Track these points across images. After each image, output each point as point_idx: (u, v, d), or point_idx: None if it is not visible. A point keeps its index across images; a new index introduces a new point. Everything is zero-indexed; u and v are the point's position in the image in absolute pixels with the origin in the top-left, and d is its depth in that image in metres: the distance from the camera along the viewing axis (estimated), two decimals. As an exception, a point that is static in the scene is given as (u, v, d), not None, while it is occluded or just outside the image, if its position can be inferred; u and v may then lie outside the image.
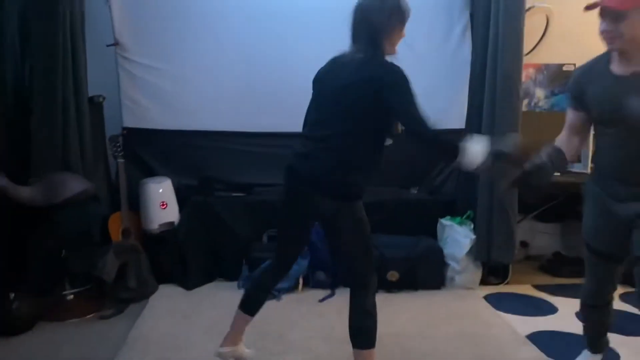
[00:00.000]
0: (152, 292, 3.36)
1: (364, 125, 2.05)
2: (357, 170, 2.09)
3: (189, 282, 3.50)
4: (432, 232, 3.69)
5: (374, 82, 2.00)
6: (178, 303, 3.27)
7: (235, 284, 3.53)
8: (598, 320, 2.34)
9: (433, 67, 3.83)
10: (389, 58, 2.08)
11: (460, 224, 3.58)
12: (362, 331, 2.17)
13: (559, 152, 2.12)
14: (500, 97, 3.39)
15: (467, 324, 3.01)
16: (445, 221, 3.65)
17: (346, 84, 2.05)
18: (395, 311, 3.16)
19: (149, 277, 3.37)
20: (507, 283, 3.63)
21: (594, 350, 2.40)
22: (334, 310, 3.16)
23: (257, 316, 3.07)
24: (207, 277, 3.61)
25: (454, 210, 3.72)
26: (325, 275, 3.48)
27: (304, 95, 3.76)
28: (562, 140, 2.19)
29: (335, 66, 2.17)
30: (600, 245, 2.13)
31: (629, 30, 1.84)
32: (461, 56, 3.84)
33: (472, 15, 3.79)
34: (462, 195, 3.75)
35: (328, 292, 3.42)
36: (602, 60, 2.01)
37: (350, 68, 2.06)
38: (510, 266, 3.63)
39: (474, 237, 3.49)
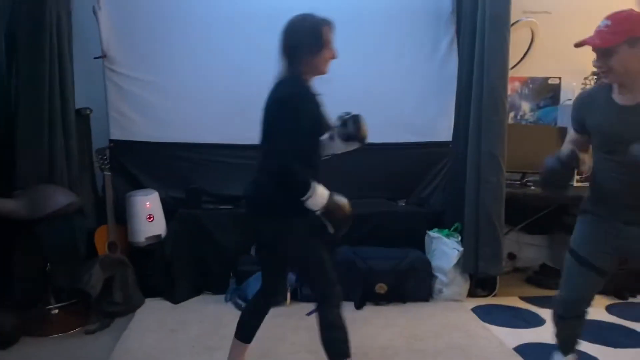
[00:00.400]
0: (139, 305, 3.33)
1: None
2: (282, 191, 2.08)
3: (176, 295, 3.47)
4: (420, 245, 3.70)
5: (279, 100, 2.09)
6: (165, 317, 3.24)
7: (222, 297, 3.51)
8: (569, 332, 2.33)
9: (420, 80, 3.87)
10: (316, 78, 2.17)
11: (448, 236, 3.59)
12: (332, 344, 2.16)
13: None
14: (486, 109, 3.43)
15: (455, 336, 3.01)
16: (433, 233, 3.66)
17: (266, 105, 2.14)
18: (383, 324, 3.15)
19: (135, 290, 3.33)
20: (495, 295, 3.64)
21: (566, 352, 2.39)
22: (321, 323, 3.15)
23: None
24: (194, 291, 3.58)
25: (441, 223, 3.74)
26: (313, 288, 3.47)
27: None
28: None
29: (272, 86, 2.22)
30: (588, 254, 2.14)
31: (618, 64, 1.87)
32: (448, 70, 3.88)
33: (458, 30, 3.83)
34: (450, 207, 3.77)
35: (316, 305, 3.40)
36: (605, 89, 2.03)
37: (273, 88, 2.15)
38: (498, 278, 3.64)
39: (461, 249, 3.50)
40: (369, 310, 3.39)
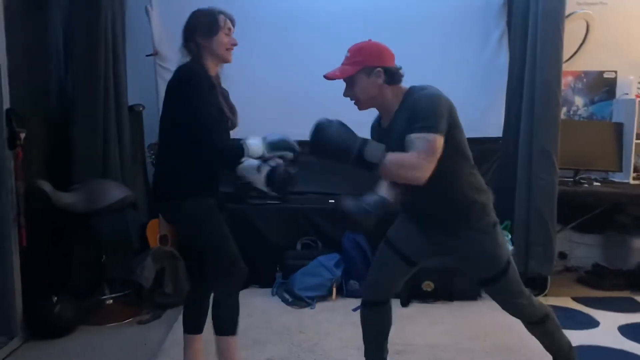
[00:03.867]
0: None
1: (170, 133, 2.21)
2: (177, 169, 2.19)
3: (224, 288, 3.53)
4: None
5: (173, 84, 2.18)
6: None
7: (269, 290, 3.56)
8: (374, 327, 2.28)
9: (470, 75, 3.81)
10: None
11: (497, 234, 3.52)
12: (217, 319, 2.31)
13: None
14: (538, 105, 3.34)
15: (504, 337, 2.95)
16: (482, 231, 3.59)
17: (165, 92, 2.23)
18: (430, 322, 3.12)
19: (185, 282, 3.41)
20: (545, 295, 3.54)
21: None
22: (368, 319, 3.15)
23: (291, 323, 3.10)
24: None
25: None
26: (359, 285, 3.47)
27: (337, 103, 3.81)
28: None
29: None
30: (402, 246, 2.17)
31: (360, 93, 2.00)
32: (498, 64, 3.79)
33: (509, 23, 3.74)
34: (499, 204, 3.66)
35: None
36: (377, 117, 2.17)
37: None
38: (549, 278, 3.55)
39: (511, 247, 3.42)
40: (415, 307, 3.36)
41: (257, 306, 3.34)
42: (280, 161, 2.16)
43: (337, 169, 3.89)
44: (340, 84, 2.09)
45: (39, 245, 2.99)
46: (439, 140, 1.82)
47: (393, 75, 1.99)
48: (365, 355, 2.34)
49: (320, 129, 1.89)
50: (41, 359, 2.71)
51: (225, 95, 2.36)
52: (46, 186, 2.98)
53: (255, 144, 2.15)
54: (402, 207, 2.15)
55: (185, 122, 2.11)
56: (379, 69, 1.97)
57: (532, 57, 3.37)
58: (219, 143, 2.15)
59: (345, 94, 2.06)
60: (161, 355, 2.70)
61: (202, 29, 2.23)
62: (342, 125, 1.89)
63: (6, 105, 2.74)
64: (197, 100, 2.10)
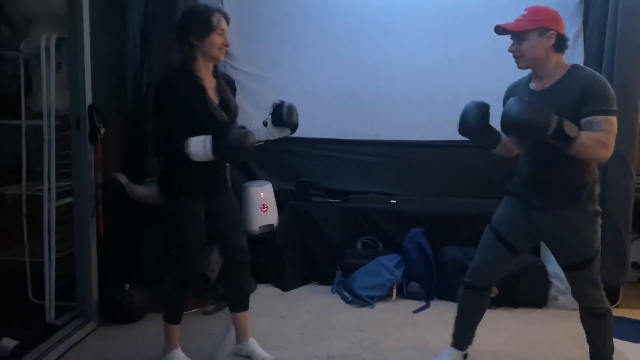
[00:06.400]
0: (251, 291, 3.47)
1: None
2: (166, 169, 2.43)
3: (285, 283, 3.60)
4: (534, 248, 3.51)
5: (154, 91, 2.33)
6: (274, 303, 3.38)
7: (328, 288, 3.59)
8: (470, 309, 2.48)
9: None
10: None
11: (566, 241, 3.40)
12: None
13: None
14: (615, 109, 3.19)
15: (571, 347, 2.85)
16: (549, 237, 3.47)
17: None
18: (493, 328, 3.05)
19: (248, 276, 3.49)
20: (617, 306, 3.38)
21: (461, 346, 2.55)
22: (428, 322, 3.13)
23: (350, 322, 3.12)
24: (302, 280, 3.70)
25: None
26: (420, 287, 3.44)
27: (403, 103, 3.80)
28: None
29: None
30: (504, 232, 2.32)
31: (527, 50, 2.09)
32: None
33: (585, 22, 3.59)
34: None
35: (422, 303, 3.38)
36: (526, 78, 2.27)
37: None
38: (621, 289, 3.39)
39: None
40: (478, 312, 3.30)
41: (316, 303, 3.38)
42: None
43: (397, 168, 3.89)
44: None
45: (114, 235, 3.16)
46: (616, 123, 2.00)
47: (563, 43, 2.09)
48: (452, 335, 2.53)
49: (511, 106, 1.98)
50: (113, 342, 2.87)
51: (224, 90, 2.43)
52: (122, 178, 3.13)
53: (197, 145, 2.20)
54: (516, 185, 2.30)
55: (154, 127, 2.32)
56: (552, 31, 2.06)
57: (609, 59, 3.23)
58: (160, 145, 2.30)
59: (511, 49, 2.14)
60: (224, 345, 2.79)
61: (194, 29, 2.24)
62: (532, 102, 1.99)
63: (89, 101, 2.91)
64: (159, 110, 2.26)
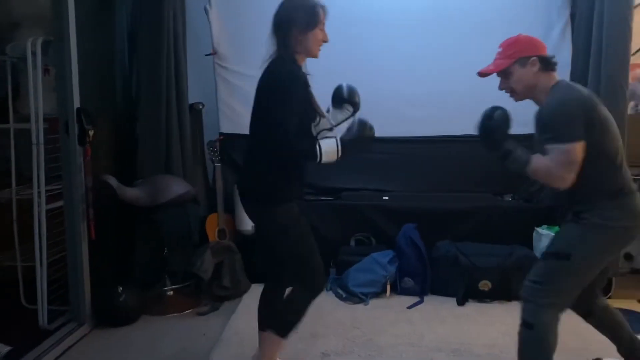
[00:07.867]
0: (245, 290, 3.48)
1: (262, 131, 2.08)
2: (269, 173, 2.09)
3: (279, 282, 3.59)
4: (527, 242, 3.53)
5: (268, 82, 2.05)
6: (269, 303, 3.36)
7: (323, 286, 3.58)
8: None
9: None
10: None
11: (559, 233, 3.41)
12: (277, 316, 2.27)
13: None
14: (604, 99, 3.14)
15: (566, 338, 2.82)
16: (542, 230, 3.47)
17: (258, 87, 2.11)
18: (488, 322, 3.06)
19: (242, 276, 3.49)
20: (610, 297, 3.40)
21: None
22: (422, 317, 3.13)
23: (345, 319, 3.11)
24: (296, 279, 3.68)
25: (552, 219, 3.54)
26: (413, 282, 3.45)
27: (394, 100, 3.80)
28: None
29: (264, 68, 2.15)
30: None
31: (516, 84, 2.08)
32: (561, 57, 3.56)
33: (573, 14, 3.60)
34: (561, 202, 3.55)
35: (416, 299, 3.38)
36: None
37: (264, 69, 2.11)
38: (614, 280, 3.41)
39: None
40: (472, 307, 3.31)
41: (311, 301, 3.38)
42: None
43: (389, 165, 3.89)
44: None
45: (105, 238, 3.14)
46: (577, 147, 1.90)
47: (548, 63, 2.06)
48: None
49: (486, 118, 2.05)
50: (107, 345, 2.85)
51: None
52: (112, 181, 3.12)
53: (330, 145, 2.03)
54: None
55: (274, 122, 1.99)
56: (533, 58, 2.04)
57: (597, 50, 3.24)
58: (296, 147, 2.02)
59: (501, 87, 2.14)
60: (219, 346, 2.78)
61: (300, 22, 2.06)
62: (504, 121, 2.05)
63: (77, 104, 2.89)
64: (289, 104, 1.97)
